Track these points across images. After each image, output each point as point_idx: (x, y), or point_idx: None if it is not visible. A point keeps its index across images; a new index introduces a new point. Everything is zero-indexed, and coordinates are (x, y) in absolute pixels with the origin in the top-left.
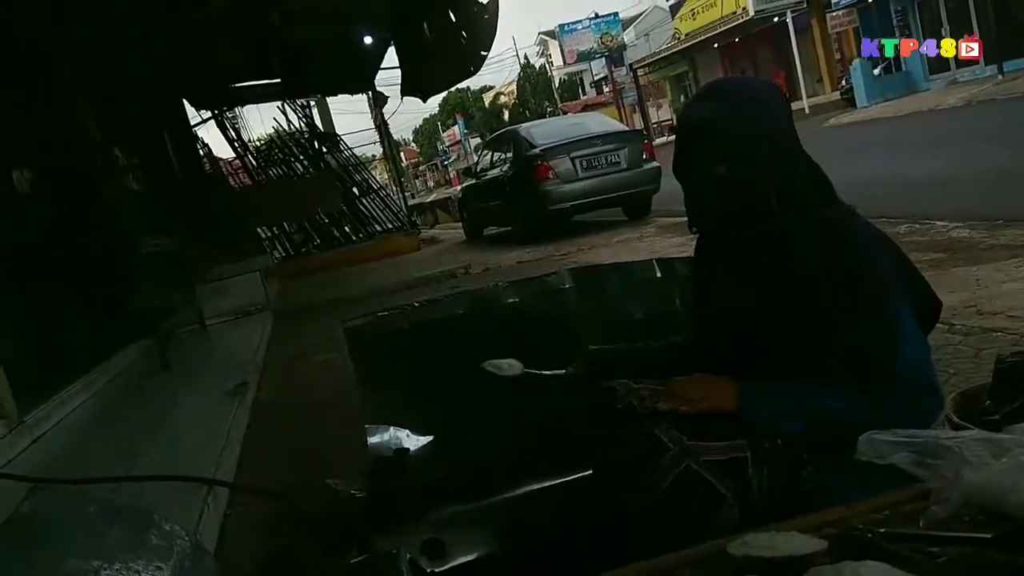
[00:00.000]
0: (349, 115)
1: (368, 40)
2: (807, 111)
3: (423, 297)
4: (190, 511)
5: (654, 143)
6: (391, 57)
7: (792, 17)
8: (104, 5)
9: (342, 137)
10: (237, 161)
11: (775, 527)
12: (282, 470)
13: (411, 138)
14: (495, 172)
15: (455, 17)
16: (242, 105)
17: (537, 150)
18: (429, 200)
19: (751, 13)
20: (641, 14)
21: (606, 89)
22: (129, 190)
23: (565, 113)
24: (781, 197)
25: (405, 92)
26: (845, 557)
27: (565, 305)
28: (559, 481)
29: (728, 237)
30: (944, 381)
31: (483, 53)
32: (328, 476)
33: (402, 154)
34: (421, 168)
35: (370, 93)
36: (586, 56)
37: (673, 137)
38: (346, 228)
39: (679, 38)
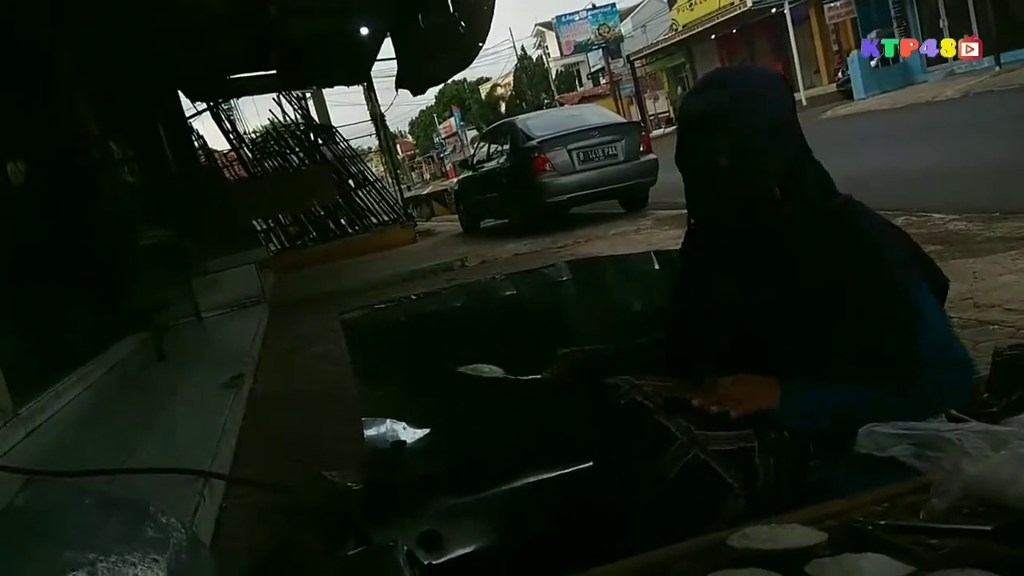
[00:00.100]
0: (345, 107)
1: (364, 31)
2: (804, 103)
3: (420, 290)
4: (186, 503)
5: (651, 135)
6: (387, 48)
7: (790, 8)
8: None
9: (338, 129)
10: (232, 153)
11: (776, 519)
12: (278, 462)
13: (407, 130)
14: (492, 164)
15: (454, 8)
16: (238, 97)
17: (534, 142)
18: (425, 192)
19: (749, 4)
20: (638, 5)
21: (603, 81)
22: (124, 183)
23: (562, 105)
24: (784, 189)
25: (400, 85)
26: (846, 549)
27: (562, 297)
28: (557, 473)
29: (728, 231)
30: None
31: (479, 44)
32: (325, 468)
33: (398, 146)
34: (417, 160)
35: (365, 84)
36: (583, 47)
37: (670, 129)
38: (342, 220)
39: (676, 29)
